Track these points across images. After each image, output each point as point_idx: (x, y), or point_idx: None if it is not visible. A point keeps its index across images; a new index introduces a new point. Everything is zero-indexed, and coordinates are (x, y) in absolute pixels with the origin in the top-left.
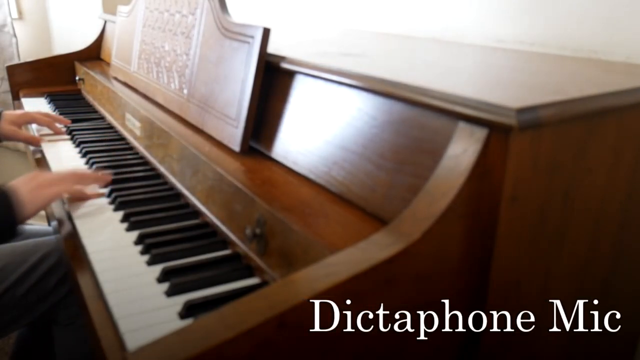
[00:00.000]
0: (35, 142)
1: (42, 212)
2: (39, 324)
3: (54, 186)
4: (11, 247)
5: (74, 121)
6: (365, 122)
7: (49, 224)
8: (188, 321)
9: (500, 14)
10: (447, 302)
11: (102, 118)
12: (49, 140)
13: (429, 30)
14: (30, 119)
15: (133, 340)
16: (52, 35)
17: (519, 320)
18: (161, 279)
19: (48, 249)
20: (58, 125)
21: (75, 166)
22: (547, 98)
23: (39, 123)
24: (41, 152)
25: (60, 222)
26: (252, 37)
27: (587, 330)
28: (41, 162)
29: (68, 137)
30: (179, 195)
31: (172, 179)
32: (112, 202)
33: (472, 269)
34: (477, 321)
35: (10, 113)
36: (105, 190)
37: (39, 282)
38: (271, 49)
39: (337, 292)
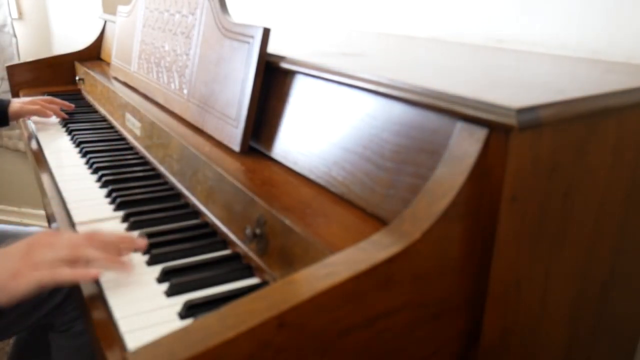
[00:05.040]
0: (42, 113)
1: (42, 212)
2: (38, 329)
3: (51, 267)
4: None
5: (74, 121)
6: (365, 122)
7: (49, 226)
8: (188, 321)
9: (500, 14)
10: (447, 302)
11: (103, 118)
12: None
13: (429, 30)
14: (35, 103)
15: (133, 340)
16: (52, 35)
17: (518, 320)
18: (161, 279)
19: None
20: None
21: (75, 170)
22: (547, 98)
23: (39, 113)
24: (42, 152)
25: (60, 222)
26: (252, 37)
27: (586, 330)
28: (41, 164)
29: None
30: (179, 195)
31: (172, 179)
32: (112, 202)
33: (472, 268)
34: (477, 321)
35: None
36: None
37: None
38: (271, 49)
39: (337, 292)
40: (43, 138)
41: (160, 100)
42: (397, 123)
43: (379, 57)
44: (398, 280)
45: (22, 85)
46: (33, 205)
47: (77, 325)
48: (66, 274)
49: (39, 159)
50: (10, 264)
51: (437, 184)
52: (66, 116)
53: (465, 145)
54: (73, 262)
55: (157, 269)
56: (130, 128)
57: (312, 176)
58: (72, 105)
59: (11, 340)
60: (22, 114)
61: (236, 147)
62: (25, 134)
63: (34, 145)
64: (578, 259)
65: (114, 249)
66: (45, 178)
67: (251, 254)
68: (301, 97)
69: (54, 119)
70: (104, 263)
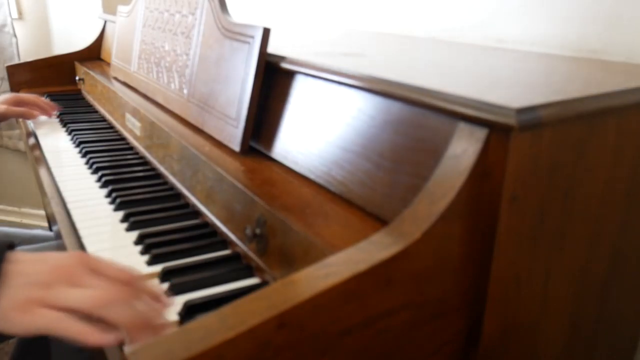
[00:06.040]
0: (29, 115)
1: (42, 212)
2: None
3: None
4: None
5: (74, 121)
6: (364, 122)
7: (50, 229)
8: (188, 321)
9: (500, 14)
10: (447, 302)
11: (103, 118)
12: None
13: (429, 30)
14: (20, 99)
15: None
16: (52, 35)
17: (518, 320)
18: (161, 279)
19: None
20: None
21: (75, 170)
22: (547, 98)
23: (25, 115)
24: (41, 152)
25: (60, 222)
26: (252, 37)
27: (586, 329)
28: (41, 164)
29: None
30: (179, 195)
31: (172, 179)
32: (112, 202)
33: (472, 268)
34: (477, 321)
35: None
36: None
37: None
38: (271, 48)
39: (337, 292)
40: (43, 138)
41: (160, 100)
42: (396, 123)
43: (379, 57)
44: (398, 280)
45: (22, 85)
46: (33, 205)
47: None
48: (74, 331)
49: (39, 159)
50: (25, 290)
51: (437, 184)
52: (52, 114)
53: (465, 145)
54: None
55: (157, 269)
56: (130, 128)
57: (311, 176)
58: (57, 108)
59: (12, 340)
60: (8, 116)
61: (236, 147)
62: (25, 134)
63: (33, 145)
64: (578, 259)
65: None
66: (45, 178)
67: (251, 254)
68: (301, 97)
69: (55, 119)
70: (129, 331)
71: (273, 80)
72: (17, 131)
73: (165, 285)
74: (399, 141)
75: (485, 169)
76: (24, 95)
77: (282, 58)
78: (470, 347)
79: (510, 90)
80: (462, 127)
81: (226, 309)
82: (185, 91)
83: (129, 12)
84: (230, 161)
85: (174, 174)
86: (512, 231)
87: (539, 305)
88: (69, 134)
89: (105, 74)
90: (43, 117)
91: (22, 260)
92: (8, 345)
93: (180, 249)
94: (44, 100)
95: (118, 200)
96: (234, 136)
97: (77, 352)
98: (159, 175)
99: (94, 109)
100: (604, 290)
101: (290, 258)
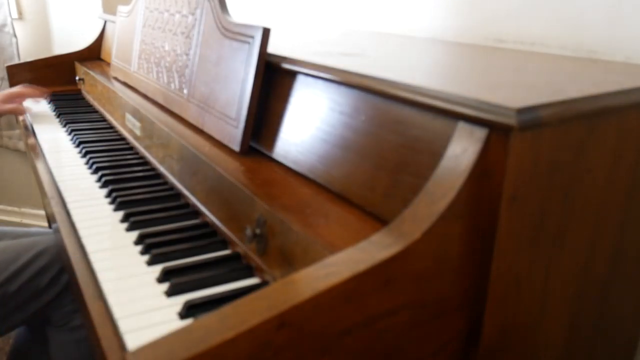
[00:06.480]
0: (19, 112)
1: (42, 212)
2: (36, 324)
3: None
4: (5, 244)
5: (74, 121)
6: (364, 122)
7: (50, 226)
8: (188, 321)
9: (500, 14)
10: (447, 301)
11: (103, 118)
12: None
13: (429, 30)
14: (10, 95)
15: (133, 340)
16: (52, 35)
17: (518, 320)
18: (161, 279)
19: (42, 247)
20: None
21: (75, 170)
22: (547, 98)
23: (16, 112)
24: (41, 152)
25: (60, 222)
26: (252, 37)
27: (586, 330)
28: (40, 164)
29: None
30: (179, 195)
31: (172, 179)
32: (112, 202)
33: (472, 268)
34: (477, 321)
35: None
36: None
37: (31, 280)
38: (271, 49)
39: (337, 292)
40: (43, 138)
41: (160, 100)
42: (396, 123)
43: (379, 57)
44: (398, 280)
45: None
46: (33, 205)
47: (75, 320)
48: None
49: (39, 159)
50: None
51: (437, 184)
52: (45, 95)
53: (466, 145)
54: None
55: (157, 269)
56: (130, 128)
57: (311, 176)
58: (43, 93)
59: (11, 341)
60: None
61: (236, 147)
62: (25, 134)
63: (33, 145)
64: (578, 259)
65: None
66: (45, 178)
67: (251, 254)
68: (301, 97)
69: (55, 118)
70: None
71: (273, 80)
72: (17, 131)
73: (165, 285)
74: (399, 141)
75: (485, 169)
76: (13, 90)
77: (282, 58)
78: (470, 347)
79: (510, 90)
80: (462, 127)
81: (226, 309)
82: (185, 91)
83: (129, 12)
84: (230, 161)
85: (173, 174)
86: (512, 231)
87: (539, 305)
88: (69, 134)
89: (105, 74)
90: (41, 115)
91: None
92: (8, 345)
93: (180, 249)
94: (32, 87)
95: (118, 200)
96: (233, 136)
97: (76, 348)
98: (159, 175)
99: (94, 109)
100: (604, 290)
101: (290, 258)
